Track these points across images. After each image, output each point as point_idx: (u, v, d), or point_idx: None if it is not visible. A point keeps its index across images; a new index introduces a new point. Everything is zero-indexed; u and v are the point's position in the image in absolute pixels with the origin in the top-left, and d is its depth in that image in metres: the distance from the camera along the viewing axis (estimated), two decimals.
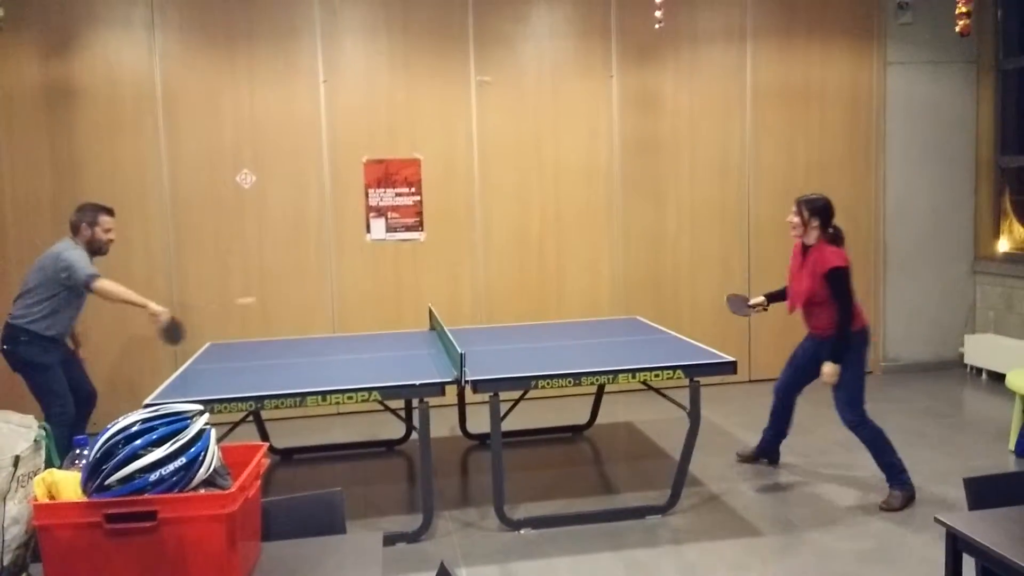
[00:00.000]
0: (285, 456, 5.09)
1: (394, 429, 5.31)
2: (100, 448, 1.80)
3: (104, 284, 4.28)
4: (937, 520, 2.21)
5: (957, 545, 2.20)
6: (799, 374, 4.44)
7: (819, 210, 4.06)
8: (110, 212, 4.48)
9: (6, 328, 4.36)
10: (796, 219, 4.11)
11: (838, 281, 3.97)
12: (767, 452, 4.72)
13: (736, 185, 6.44)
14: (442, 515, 4.10)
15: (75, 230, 4.42)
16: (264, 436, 5.05)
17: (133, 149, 5.64)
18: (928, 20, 6.51)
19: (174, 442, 1.80)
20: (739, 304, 4.62)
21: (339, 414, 5.92)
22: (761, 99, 6.42)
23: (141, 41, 5.62)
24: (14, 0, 5.26)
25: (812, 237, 4.09)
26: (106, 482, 1.77)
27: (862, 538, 3.71)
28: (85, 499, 1.77)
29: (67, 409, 4.36)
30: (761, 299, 4.55)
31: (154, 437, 1.80)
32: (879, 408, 5.85)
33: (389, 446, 5.22)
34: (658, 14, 4.95)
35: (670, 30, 6.07)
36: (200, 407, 1.90)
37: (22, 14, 5.39)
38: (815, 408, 5.81)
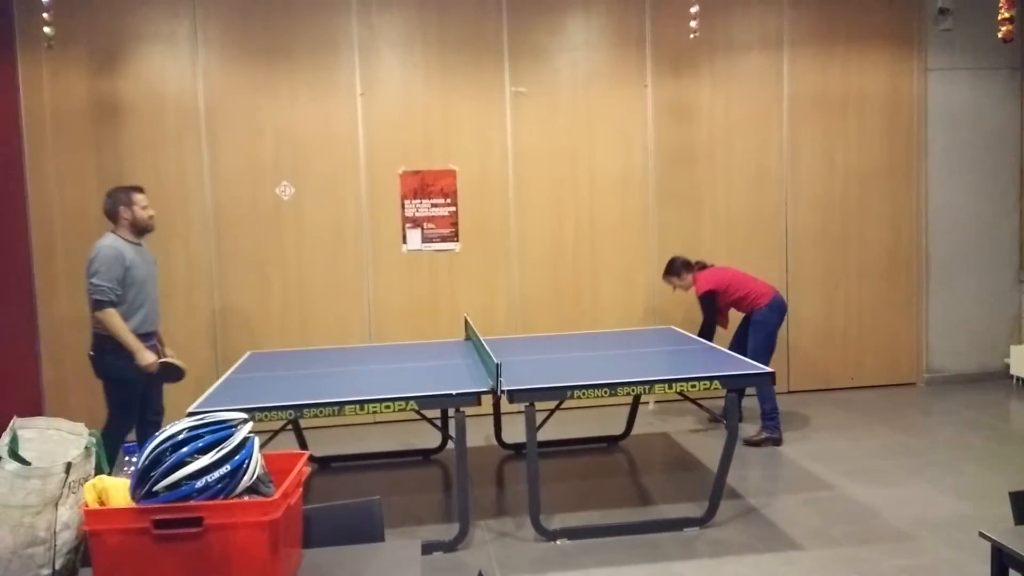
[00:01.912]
0: (323, 464, 5.15)
1: (430, 438, 5.34)
2: (148, 455, 1.84)
3: (110, 317, 4.12)
4: (982, 535, 2.17)
5: (1003, 560, 2.15)
6: (739, 341, 5.42)
7: (676, 270, 5.47)
8: (140, 190, 4.36)
9: (93, 336, 4.28)
10: (679, 287, 5.54)
11: (709, 301, 5.37)
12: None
13: (774, 195, 6.38)
14: (478, 524, 4.11)
15: (114, 218, 4.29)
16: (303, 444, 5.11)
17: (176, 162, 5.78)
18: (969, 26, 6.40)
19: (219, 450, 1.84)
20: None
21: (376, 423, 5.97)
22: (799, 108, 6.36)
23: (184, 57, 5.76)
24: (64, 17, 5.42)
25: (688, 284, 5.47)
26: (154, 489, 1.81)
27: (905, 554, 3.64)
28: (134, 505, 1.82)
29: (125, 428, 4.29)
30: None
31: (200, 445, 1.84)
32: (922, 420, 5.75)
33: (425, 455, 5.25)
34: (693, 23, 4.95)
35: (705, 39, 6.05)
36: (244, 416, 1.94)
37: (71, 32, 5.55)
38: (857, 417, 5.72)
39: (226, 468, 1.83)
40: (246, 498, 1.86)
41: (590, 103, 6.16)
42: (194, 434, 1.86)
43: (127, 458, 1.97)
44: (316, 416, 3.70)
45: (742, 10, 6.27)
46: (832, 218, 6.46)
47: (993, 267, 6.64)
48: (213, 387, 4.06)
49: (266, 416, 3.62)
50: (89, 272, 4.18)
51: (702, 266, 5.51)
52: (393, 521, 4.20)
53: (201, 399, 3.79)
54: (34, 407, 5.64)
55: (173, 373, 4.35)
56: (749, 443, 5.09)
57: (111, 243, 4.23)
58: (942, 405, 6.06)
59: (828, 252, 6.46)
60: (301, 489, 2.02)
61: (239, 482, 1.85)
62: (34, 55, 5.53)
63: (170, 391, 4.57)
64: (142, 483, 1.83)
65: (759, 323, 5.25)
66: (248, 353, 5.00)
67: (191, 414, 3.44)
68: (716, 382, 3.87)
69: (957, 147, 6.53)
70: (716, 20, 6.16)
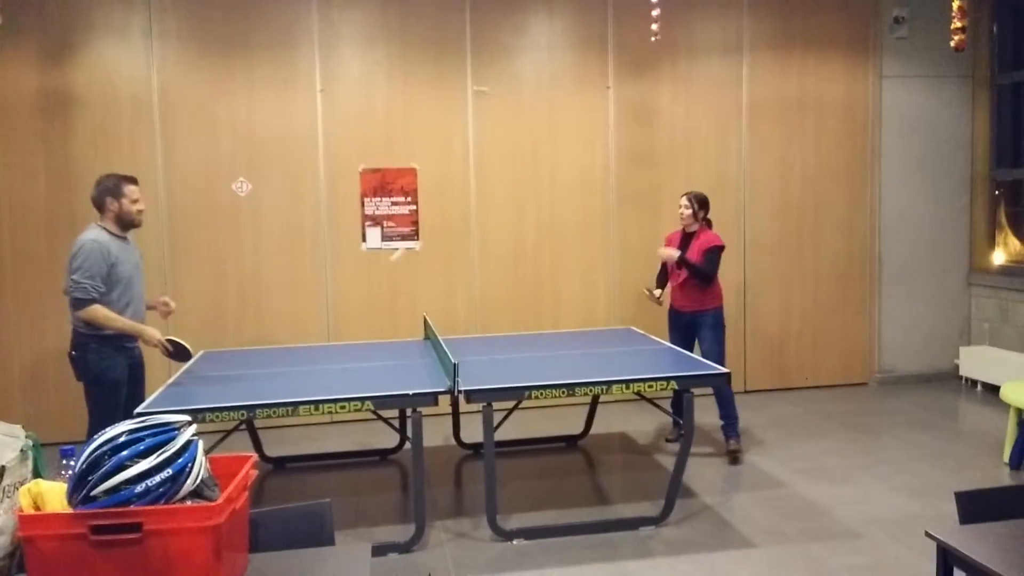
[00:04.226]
0: (278, 465, 5.08)
1: (388, 438, 5.30)
2: (86, 459, 1.79)
3: (95, 313, 3.88)
4: (928, 534, 2.21)
5: (948, 560, 2.19)
6: (687, 348, 5.00)
7: (703, 203, 5.02)
8: (133, 181, 4.09)
9: (73, 335, 4.02)
10: (688, 211, 5.00)
11: (716, 255, 4.98)
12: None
13: (732, 198, 6.45)
14: (435, 525, 4.09)
15: (100, 208, 4.03)
16: (257, 445, 5.04)
17: (129, 157, 5.64)
18: (924, 34, 6.54)
19: (161, 453, 1.79)
20: (651, 297, 5.24)
21: (333, 423, 5.91)
22: (757, 112, 6.44)
23: (139, 49, 5.64)
24: (12, 7, 5.26)
25: (695, 225, 5.02)
26: (92, 493, 1.76)
27: (855, 552, 3.70)
28: (71, 510, 1.76)
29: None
30: (659, 291, 5.22)
31: (141, 448, 1.80)
32: (874, 419, 5.85)
33: (383, 455, 5.21)
34: (654, 27, 4.98)
35: (667, 43, 6.10)
36: (188, 418, 1.89)
37: (20, 21, 5.39)
38: (811, 416, 5.81)
39: (168, 472, 1.79)
40: (189, 503, 1.82)
41: (552, 104, 6.16)
42: (134, 437, 1.81)
43: (64, 461, 1.91)
44: (270, 416, 3.64)
45: (703, 14, 6.32)
46: (789, 222, 6.55)
47: (944, 270, 6.80)
48: (163, 386, 3.97)
49: (217, 417, 3.56)
50: (71, 268, 3.90)
51: (709, 224, 5.13)
52: (348, 522, 4.16)
53: (150, 399, 3.71)
54: (1, 405, 5.48)
55: (181, 352, 4.08)
56: (735, 458, 4.88)
57: (95, 237, 3.95)
58: (893, 404, 6.18)
59: (784, 255, 6.55)
60: (247, 493, 1.98)
61: (181, 486, 1.81)
62: None
63: None
64: (79, 487, 1.78)
65: (717, 325, 5.01)
66: (201, 352, 4.90)
67: (139, 415, 3.37)
68: (673, 382, 3.90)
69: (910, 153, 6.67)
70: (677, 24, 6.20)
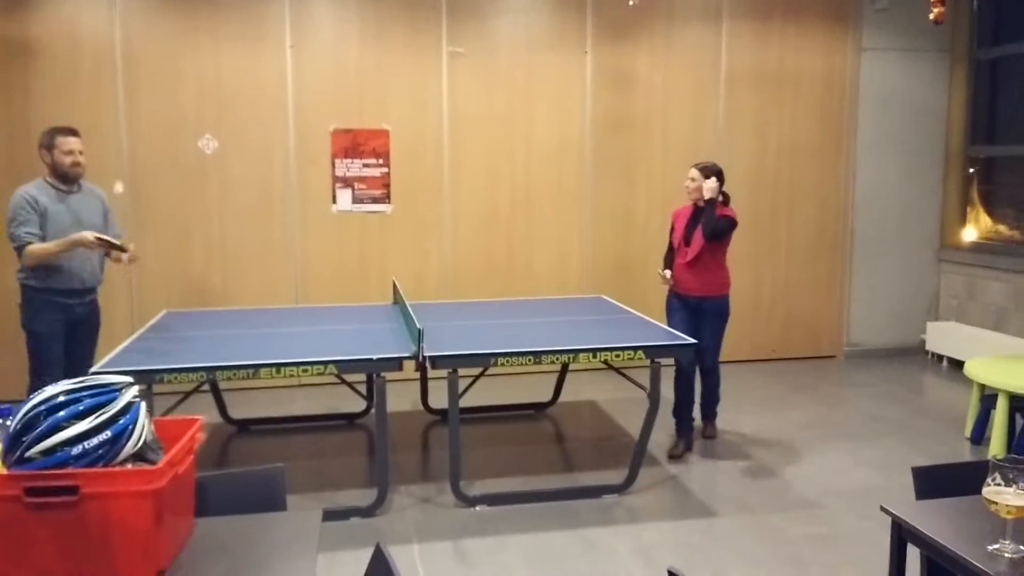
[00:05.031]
0: (242, 427, 5.02)
1: (356, 402, 5.25)
2: (22, 419, 1.72)
3: (30, 253, 3.88)
4: (883, 509, 2.20)
5: (902, 534, 2.19)
6: (690, 334, 4.35)
7: (715, 174, 4.43)
8: (70, 131, 4.06)
9: (19, 288, 4.06)
10: (694, 184, 4.47)
11: (728, 222, 4.44)
12: (688, 431, 4.64)
13: None
14: (399, 490, 4.06)
15: (43, 160, 4.07)
16: (221, 406, 4.97)
17: (91, 111, 5.47)
18: (904, 7, 6.48)
19: (100, 414, 1.73)
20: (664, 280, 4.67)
21: (301, 386, 5.85)
22: (735, 81, 6.37)
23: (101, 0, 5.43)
24: None
25: (710, 191, 4.40)
26: (27, 454, 1.70)
27: (815, 522, 3.73)
28: (4, 472, 1.70)
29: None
30: (668, 272, 4.64)
31: (80, 409, 1.73)
32: (840, 392, 5.90)
33: (350, 419, 5.17)
34: None
35: (646, 7, 5.99)
36: (129, 379, 1.83)
37: None
38: (779, 388, 5.84)
39: (107, 434, 1.73)
40: (130, 466, 1.76)
41: (529, 67, 6.05)
42: (73, 397, 1.75)
43: (0, 420, 1.84)
44: (231, 379, 3.57)
45: None
46: (763, 194, 6.52)
47: (914, 246, 6.83)
48: (122, 345, 3.88)
49: (175, 378, 3.48)
50: (6, 222, 3.99)
51: (727, 200, 4.58)
52: (312, 485, 4.12)
53: (107, 358, 3.62)
54: None
55: (115, 248, 3.99)
56: (711, 437, 4.80)
57: (24, 190, 3.99)
58: (860, 377, 6.24)
59: (758, 227, 6.52)
60: (192, 457, 1.93)
61: (122, 449, 1.75)
62: None
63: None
64: (14, 448, 1.71)
65: (722, 315, 4.57)
66: (164, 311, 4.81)
67: (92, 373, 3.28)
68: (640, 352, 3.88)
69: (886, 127, 6.65)
70: None
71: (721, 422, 4.96)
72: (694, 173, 4.48)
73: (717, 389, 4.80)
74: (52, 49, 5.40)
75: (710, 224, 4.38)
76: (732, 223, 4.46)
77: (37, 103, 5.41)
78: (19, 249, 3.94)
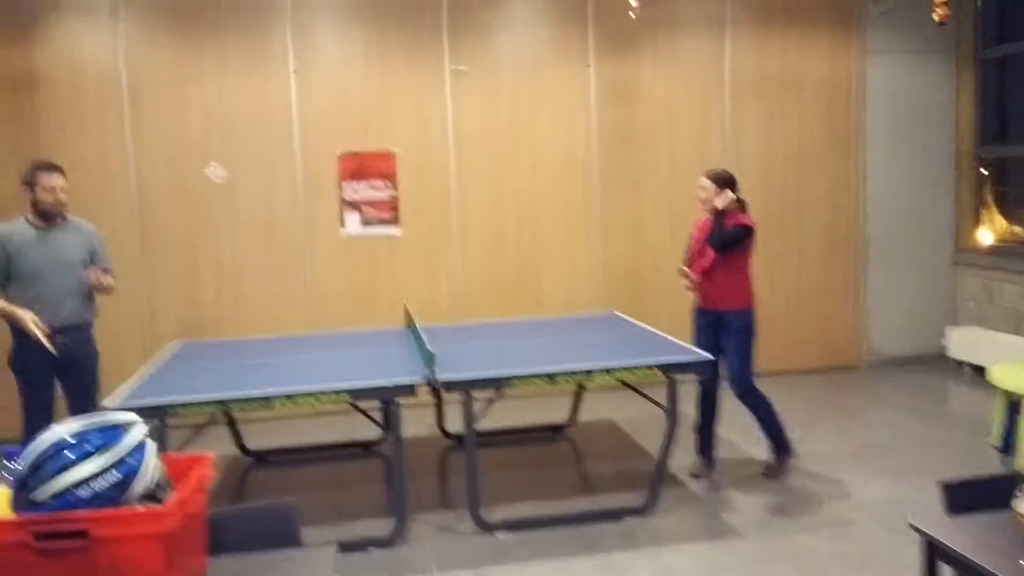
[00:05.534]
0: (259, 458, 4.96)
1: (372, 429, 5.19)
2: (29, 461, 1.68)
3: None
4: (913, 527, 2.12)
5: (933, 552, 2.11)
6: (714, 353, 4.25)
7: (726, 181, 4.29)
8: (52, 168, 3.93)
9: None
10: (704, 193, 4.31)
11: (740, 230, 4.24)
12: (709, 449, 4.52)
13: None
14: (417, 518, 3.99)
15: (26, 196, 3.94)
16: (237, 437, 4.92)
17: (97, 140, 5.47)
18: (908, 9, 6.44)
19: (108, 455, 1.68)
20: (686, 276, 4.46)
21: (317, 414, 5.78)
22: (740, 89, 6.33)
23: (104, 28, 5.45)
24: None
25: (723, 202, 4.26)
26: (35, 498, 1.65)
27: (843, 540, 3.64)
28: (13, 516, 1.65)
29: (46, 423, 3.86)
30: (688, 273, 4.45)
31: (88, 449, 1.69)
32: (861, 403, 5.80)
33: (366, 447, 5.10)
34: (633, 2, 4.83)
35: (647, 19, 5.97)
36: (137, 417, 1.78)
37: None
38: (799, 401, 5.75)
39: (116, 475, 1.68)
40: (139, 507, 1.70)
41: (532, 83, 6.03)
42: (81, 437, 1.70)
43: (7, 463, 1.79)
44: (243, 410, 3.52)
45: None
46: (772, 200, 6.46)
47: (929, 250, 6.74)
48: (132, 379, 3.84)
49: (188, 412, 3.44)
50: None
51: (743, 207, 4.39)
52: (329, 517, 4.06)
53: (118, 392, 3.58)
54: None
55: (42, 344, 3.78)
56: (767, 475, 4.38)
57: (12, 222, 3.93)
58: (881, 388, 6.13)
59: (768, 235, 6.44)
60: (203, 494, 1.87)
61: (131, 490, 1.70)
62: None
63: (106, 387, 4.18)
64: (22, 491, 1.66)
65: (744, 330, 4.31)
66: (175, 342, 4.77)
67: (102, 411, 3.24)
68: (656, 369, 3.81)
69: (895, 130, 6.59)
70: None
71: (739, 438, 4.86)
72: (704, 182, 4.33)
73: (762, 414, 4.33)
74: (57, 80, 5.42)
75: (716, 235, 4.25)
76: (745, 231, 4.24)
77: (44, 134, 5.41)
78: None
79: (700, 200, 4.35)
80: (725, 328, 4.32)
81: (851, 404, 5.77)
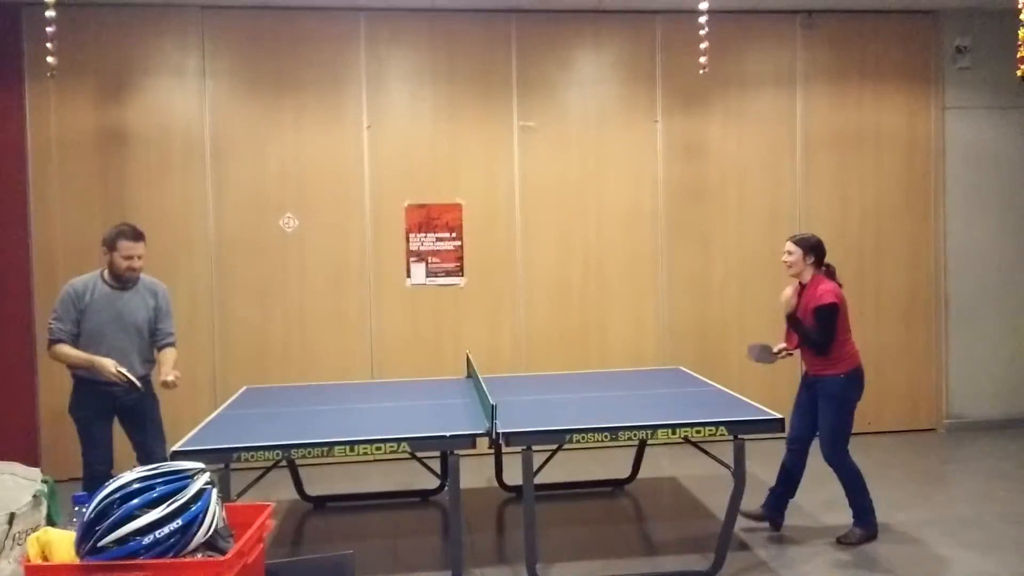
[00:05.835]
0: (318, 504, 5.00)
1: (431, 478, 5.18)
2: (95, 507, 1.72)
3: (55, 352, 4.00)
4: None
5: None
6: (808, 418, 4.30)
7: (813, 247, 4.20)
8: (135, 235, 4.03)
9: None
10: (791, 257, 4.22)
11: (825, 318, 4.09)
12: (774, 513, 4.37)
13: (787, 233, 6.16)
14: (473, 572, 3.94)
15: (104, 255, 4.11)
16: (298, 483, 4.97)
17: (181, 193, 5.74)
18: (988, 64, 6.28)
19: (171, 502, 1.71)
20: (763, 353, 4.39)
21: (376, 461, 5.81)
22: (813, 145, 6.24)
23: (192, 89, 5.75)
24: (72, 49, 5.43)
25: (807, 275, 4.21)
26: (100, 544, 1.69)
27: None
28: (76, 562, 1.69)
29: (91, 474, 3.98)
30: (783, 345, 4.38)
31: (153, 496, 1.72)
32: (943, 469, 5.51)
33: (424, 496, 5.09)
34: (703, 59, 4.85)
35: (717, 75, 5.96)
36: (201, 465, 1.81)
37: (79, 61, 5.55)
38: (875, 465, 5.49)
39: (178, 523, 1.70)
40: (199, 556, 1.73)
41: (599, 138, 6.07)
42: (146, 485, 1.74)
43: (76, 508, 1.84)
44: (305, 457, 3.57)
45: (755, 46, 6.18)
46: (847, 258, 6.26)
47: (1015, 308, 6.43)
48: (201, 424, 3.94)
49: (252, 456, 3.50)
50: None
51: (831, 272, 4.29)
52: (385, 567, 4.04)
53: (187, 436, 3.67)
54: (30, 439, 5.55)
55: (132, 384, 3.92)
56: (842, 541, 4.19)
57: (72, 284, 4.06)
58: (964, 453, 5.82)
59: (844, 293, 6.25)
60: (262, 545, 1.89)
61: (192, 537, 1.72)
62: (43, 86, 5.52)
63: (174, 433, 4.27)
64: (87, 537, 1.70)
65: (837, 397, 4.19)
66: (243, 388, 4.89)
67: (175, 453, 3.33)
68: (723, 428, 3.71)
69: (976, 186, 6.37)
70: (728, 55, 6.07)
71: (811, 501, 4.67)
72: (790, 246, 4.23)
73: (848, 481, 4.21)
74: (146, 136, 5.71)
75: (803, 336, 4.18)
76: (829, 312, 4.07)
77: (131, 187, 5.70)
78: (49, 341, 4.01)
79: (786, 264, 4.26)
80: (818, 394, 4.23)
81: (930, 469, 5.49)
